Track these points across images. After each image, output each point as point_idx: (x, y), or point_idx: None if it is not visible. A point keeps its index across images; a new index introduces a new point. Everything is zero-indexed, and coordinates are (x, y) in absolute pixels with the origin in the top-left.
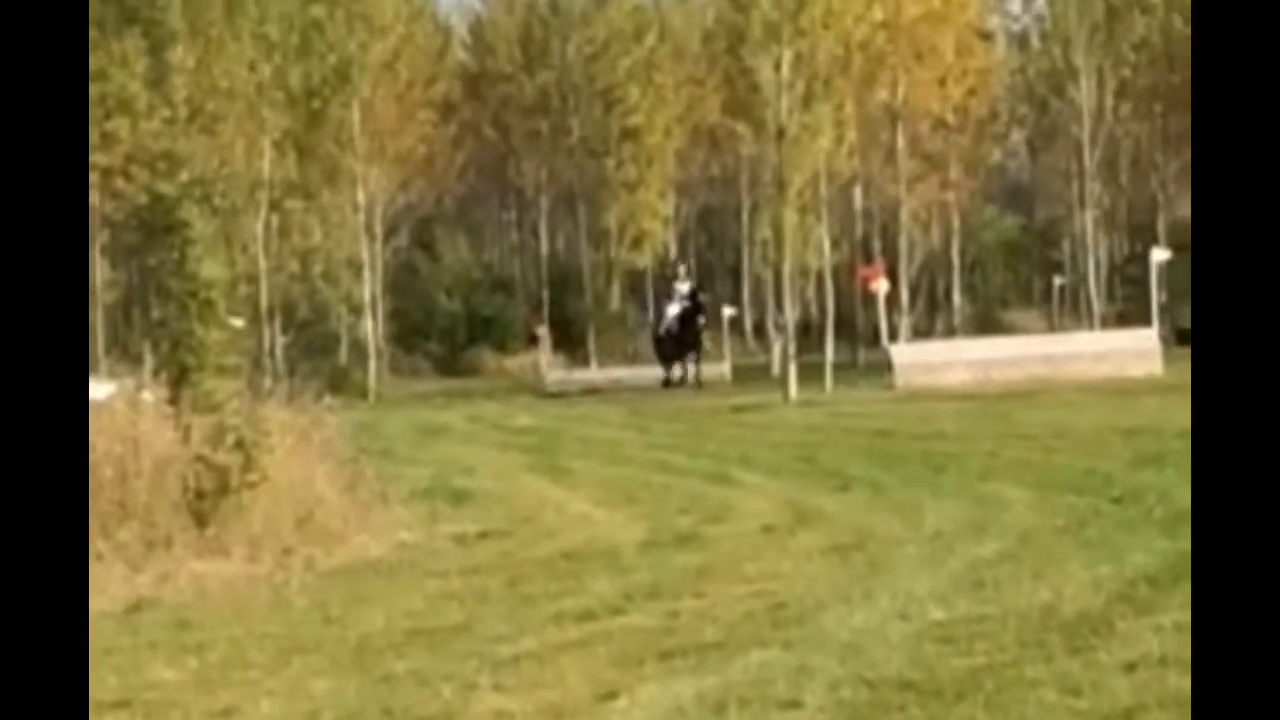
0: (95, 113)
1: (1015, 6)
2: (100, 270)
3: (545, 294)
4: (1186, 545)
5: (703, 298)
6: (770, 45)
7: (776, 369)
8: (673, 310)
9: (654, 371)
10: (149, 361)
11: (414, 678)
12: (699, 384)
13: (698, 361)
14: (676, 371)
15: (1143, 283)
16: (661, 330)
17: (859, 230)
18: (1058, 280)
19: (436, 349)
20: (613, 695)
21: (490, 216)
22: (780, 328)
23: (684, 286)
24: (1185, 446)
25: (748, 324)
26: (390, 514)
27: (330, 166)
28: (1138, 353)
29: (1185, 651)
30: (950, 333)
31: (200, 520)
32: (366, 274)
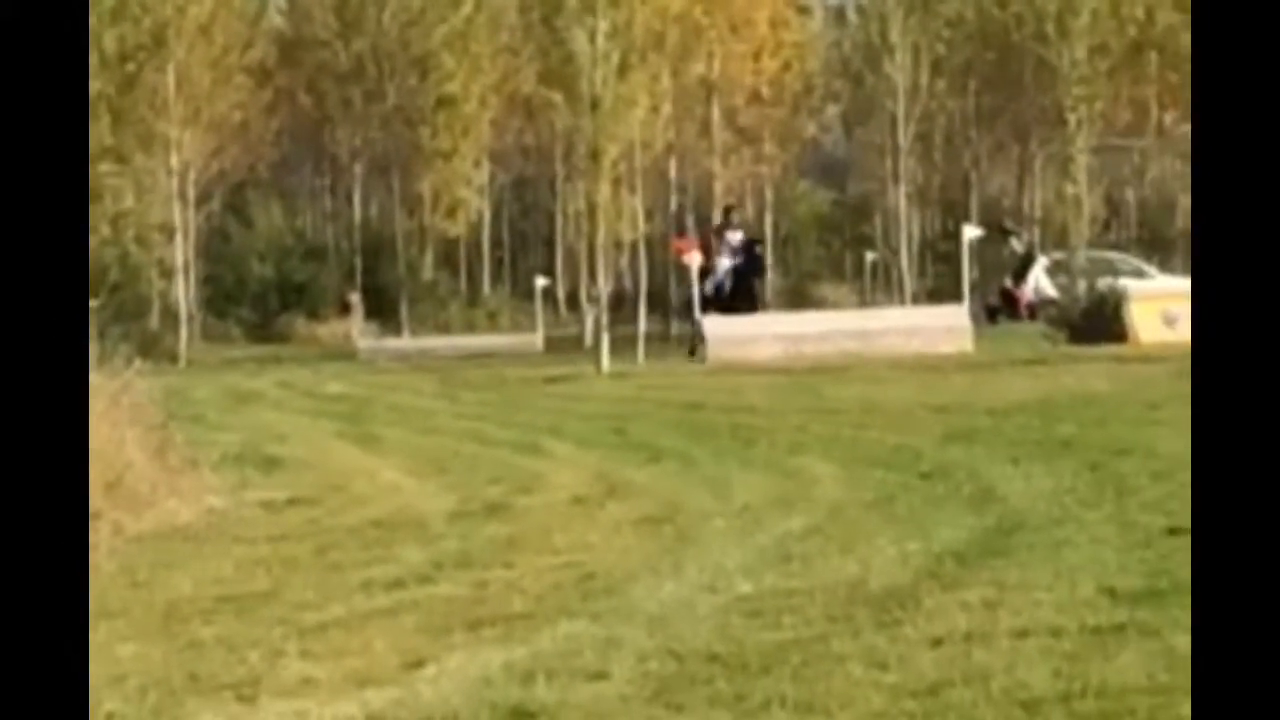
0: None
1: None
2: None
3: (358, 261)
4: (993, 521)
5: (759, 250)
6: (586, 16)
7: (589, 340)
8: (724, 264)
9: (466, 341)
10: None
11: (221, 644)
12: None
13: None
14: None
15: (954, 259)
16: (709, 288)
17: (673, 202)
18: (870, 256)
19: (249, 315)
20: (420, 664)
21: (304, 183)
22: (593, 299)
23: (736, 237)
24: (994, 423)
25: (561, 295)
26: (200, 480)
27: (144, 131)
28: (948, 329)
29: (990, 627)
30: (763, 305)
31: None
32: (179, 239)
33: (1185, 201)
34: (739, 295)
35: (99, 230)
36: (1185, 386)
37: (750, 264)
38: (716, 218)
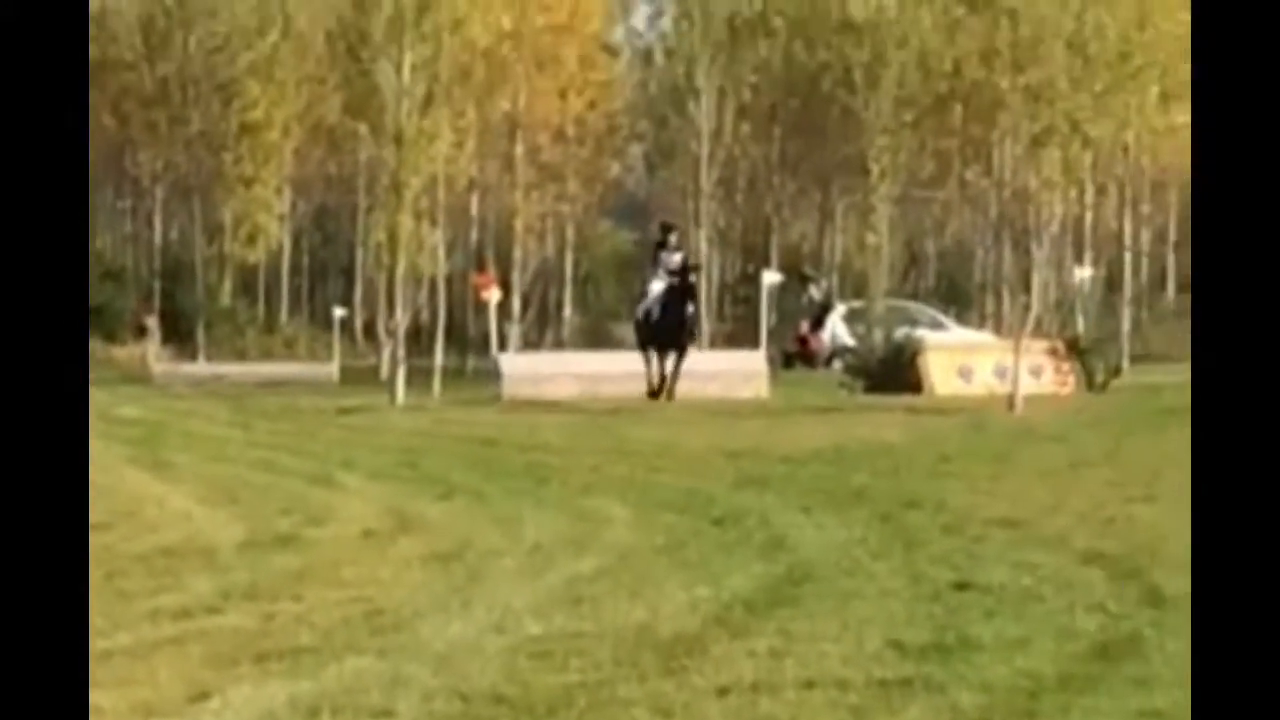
0: None
1: (640, 22)
2: None
3: (157, 285)
4: (782, 569)
5: (694, 278)
6: (391, 48)
7: (386, 372)
8: (656, 287)
9: (263, 369)
10: None
11: None
12: (670, 394)
13: (678, 362)
14: (654, 369)
15: (753, 304)
16: (640, 313)
17: (474, 237)
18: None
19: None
20: (205, 696)
21: (105, 204)
22: (390, 331)
23: (674, 258)
24: (788, 471)
25: (359, 325)
26: None
27: None
28: (745, 374)
29: (777, 677)
30: (560, 344)
31: None
32: None
33: (983, 254)
34: (666, 326)
35: None
36: (976, 440)
37: (683, 291)
38: (655, 233)
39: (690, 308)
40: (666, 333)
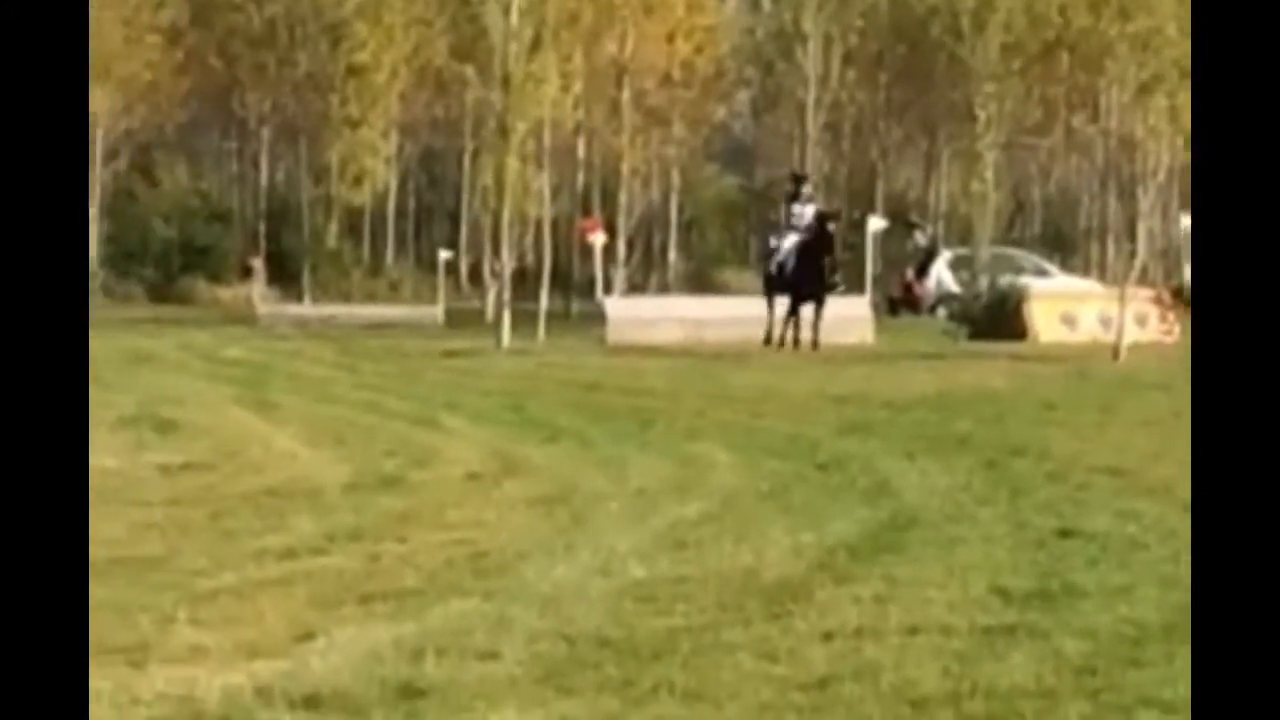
0: None
1: None
2: None
3: (262, 227)
4: (886, 515)
5: (832, 227)
6: None
7: (491, 316)
8: (789, 241)
9: (368, 311)
10: None
11: (111, 607)
12: (815, 344)
13: (818, 315)
14: (779, 327)
15: (858, 249)
16: (772, 266)
17: (580, 181)
18: (774, 242)
19: (150, 275)
20: (310, 636)
21: (211, 146)
22: (496, 274)
23: (807, 210)
24: (891, 417)
25: (464, 269)
26: (94, 440)
27: None
28: (850, 319)
29: (881, 623)
30: (665, 289)
31: None
32: None
33: (1088, 202)
34: (804, 276)
35: None
36: (1081, 388)
37: (820, 241)
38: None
39: (827, 258)
40: (805, 284)
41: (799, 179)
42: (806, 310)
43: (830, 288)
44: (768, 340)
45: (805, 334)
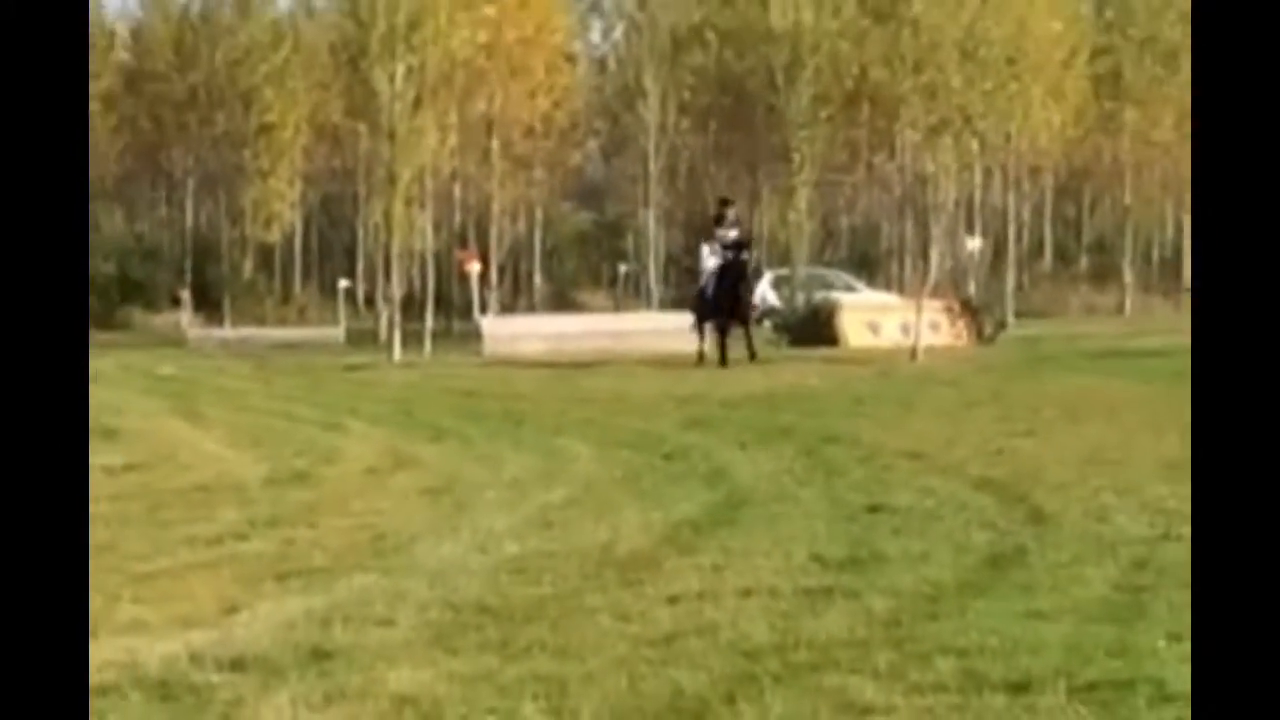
0: None
1: (596, 36)
2: None
3: (188, 263)
4: (722, 496)
5: (747, 256)
6: (386, 59)
7: (384, 334)
8: (710, 264)
9: (279, 332)
10: None
11: None
12: (753, 355)
13: (748, 331)
14: (707, 342)
15: (693, 272)
16: (698, 289)
17: (457, 219)
18: (623, 268)
19: (94, 305)
20: (235, 609)
21: (143, 195)
22: (388, 299)
23: (730, 234)
24: (726, 413)
25: (360, 295)
26: None
27: None
28: (688, 331)
29: (718, 587)
30: (531, 309)
31: None
32: None
33: (888, 228)
34: (724, 302)
35: None
36: (884, 385)
37: (734, 268)
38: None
39: (746, 283)
40: (725, 307)
41: (725, 202)
42: (734, 329)
43: (748, 309)
44: (700, 359)
45: (738, 351)
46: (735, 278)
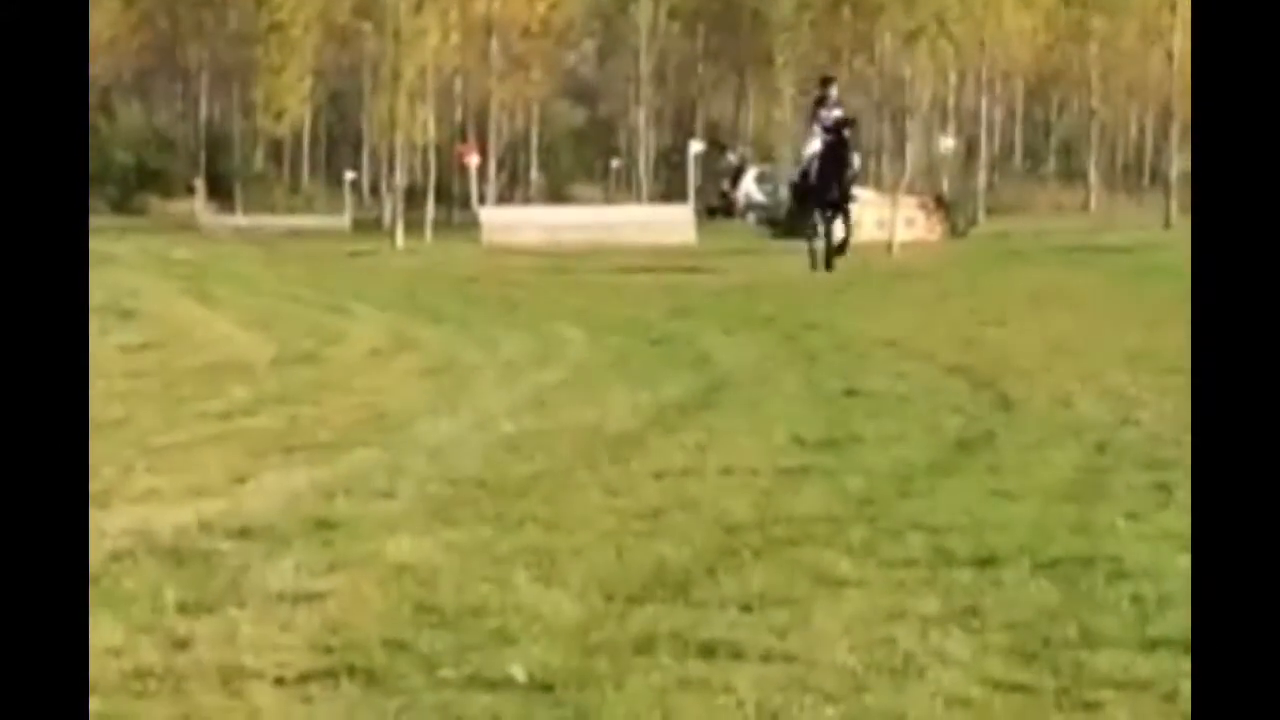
0: None
1: None
2: None
3: (203, 154)
4: (706, 380)
5: (848, 134)
6: None
7: (387, 223)
8: (812, 147)
9: (288, 220)
10: None
11: None
12: (842, 250)
13: (846, 220)
14: (819, 241)
15: (682, 168)
16: (797, 174)
17: (458, 114)
18: (615, 163)
19: (112, 193)
20: (243, 480)
21: (160, 88)
22: (391, 189)
23: (832, 114)
24: (711, 302)
25: (365, 185)
26: None
27: None
28: (676, 224)
29: (702, 465)
30: (528, 201)
31: None
32: None
33: (867, 127)
34: (829, 181)
35: None
36: (862, 277)
37: (837, 150)
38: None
39: (847, 167)
40: (826, 194)
41: (827, 81)
42: (832, 220)
43: (846, 197)
44: (818, 262)
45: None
46: (840, 162)
